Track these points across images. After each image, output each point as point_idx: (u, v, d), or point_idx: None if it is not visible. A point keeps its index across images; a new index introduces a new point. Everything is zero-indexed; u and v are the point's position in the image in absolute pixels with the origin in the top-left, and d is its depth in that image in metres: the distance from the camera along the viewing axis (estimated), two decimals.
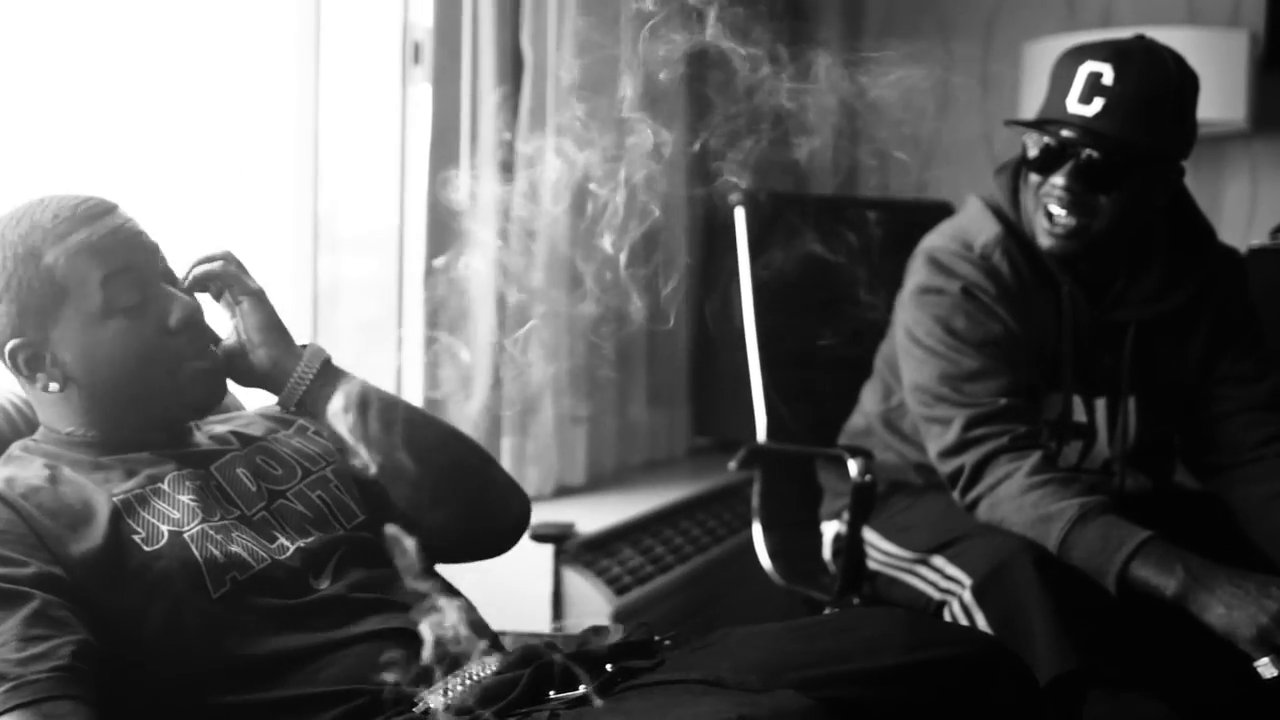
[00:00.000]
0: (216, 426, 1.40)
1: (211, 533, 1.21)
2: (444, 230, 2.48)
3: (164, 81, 2.02)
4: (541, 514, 2.54)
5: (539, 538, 2.37)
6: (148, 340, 1.25)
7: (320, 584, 1.25)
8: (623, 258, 3.16)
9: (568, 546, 2.40)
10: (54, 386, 1.26)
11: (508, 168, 2.57)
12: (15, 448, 1.29)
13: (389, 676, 1.17)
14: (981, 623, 1.71)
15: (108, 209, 1.28)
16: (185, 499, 1.24)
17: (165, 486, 1.25)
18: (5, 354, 1.25)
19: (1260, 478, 1.88)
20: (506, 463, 2.62)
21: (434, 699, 1.15)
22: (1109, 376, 1.90)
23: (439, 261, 2.47)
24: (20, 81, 1.80)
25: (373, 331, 2.64)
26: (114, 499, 1.21)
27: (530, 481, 2.68)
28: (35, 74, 1.81)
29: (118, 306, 1.24)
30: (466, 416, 2.53)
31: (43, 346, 1.24)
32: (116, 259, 1.24)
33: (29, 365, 1.25)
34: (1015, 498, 1.71)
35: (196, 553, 1.19)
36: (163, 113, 2.02)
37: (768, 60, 3.54)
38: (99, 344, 1.24)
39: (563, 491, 2.80)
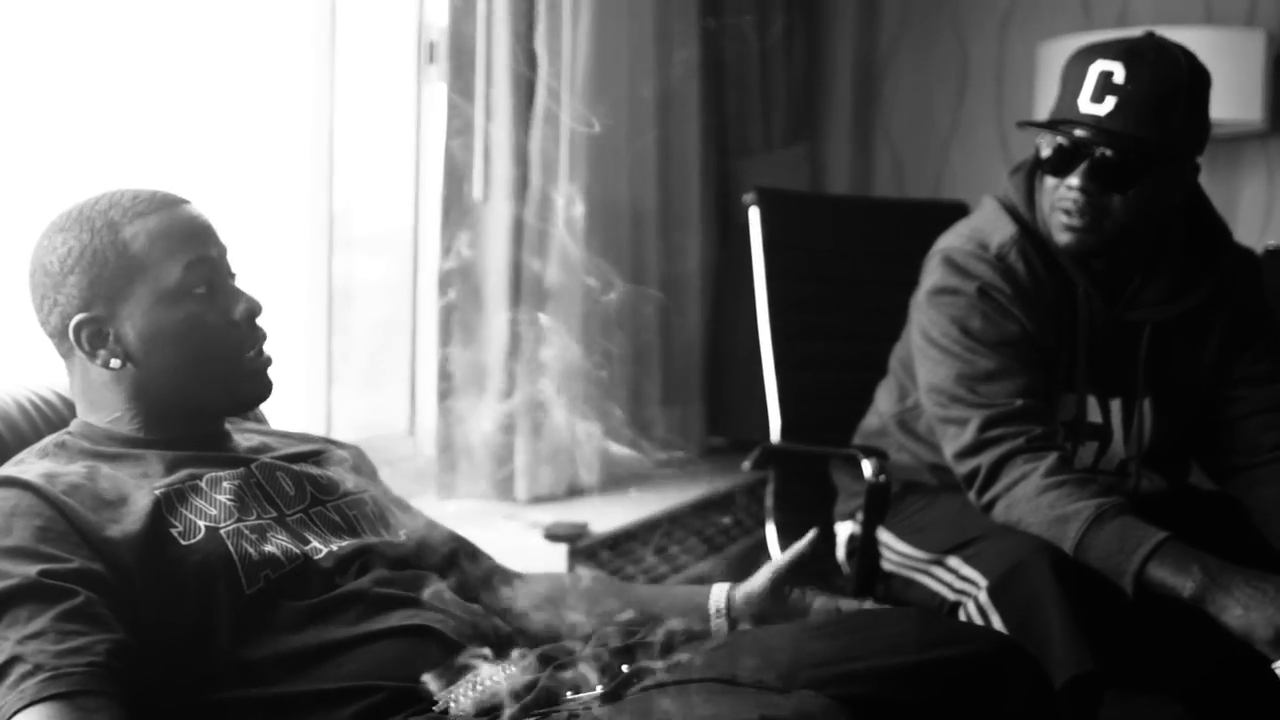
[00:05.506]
0: (254, 435, 1.41)
1: (247, 531, 1.23)
2: (458, 230, 2.48)
3: (181, 82, 2.03)
4: (555, 514, 2.54)
5: (553, 537, 2.37)
6: (212, 327, 1.28)
7: (345, 581, 1.25)
8: (636, 258, 3.17)
9: (581, 546, 2.40)
10: (115, 363, 1.26)
11: (522, 167, 2.58)
12: (49, 443, 1.30)
13: (409, 673, 1.17)
14: (997, 624, 1.70)
15: (184, 200, 1.32)
16: (222, 498, 1.25)
17: (203, 484, 1.26)
18: (70, 327, 1.26)
19: (1276, 479, 1.87)
20: (520, 462, 2.62)
21: (453, 698, 1.15)
22: (1124, 377, 1.90)
23: (453, 261, 2.48)
24: (36, 82, 1.81)
25: (387, 330, 2.65)
26: (155, 492, 1.21)
27: (544, 481, 2.68)
28: (51, 74, 1.82)
29: (190, 291, 1.27)
30: (480, 416, 2.53)
31: (107, 322, 1.26)
32: (197, 247, 1.28)
33: (91, 341, 1.27)
34: (1032, 498, 1.70)
35: (232, 549, 1.20)
36: (179, 112, 2.03)
37: (783, 61, 3.53)
38: (168, 323, 1.26)
39: (576, 491, 2.80)
